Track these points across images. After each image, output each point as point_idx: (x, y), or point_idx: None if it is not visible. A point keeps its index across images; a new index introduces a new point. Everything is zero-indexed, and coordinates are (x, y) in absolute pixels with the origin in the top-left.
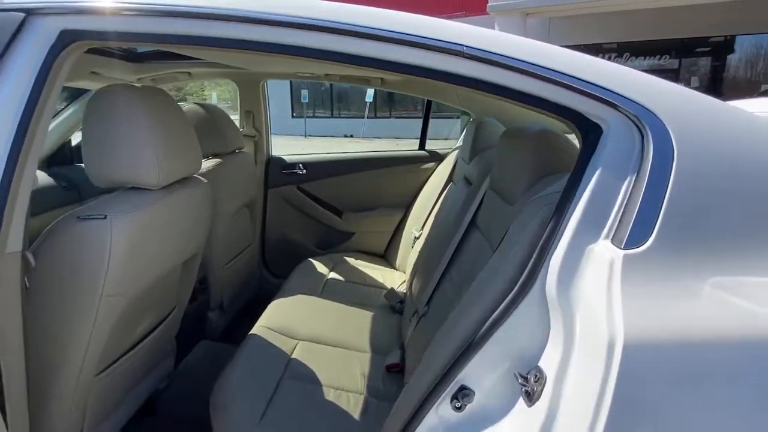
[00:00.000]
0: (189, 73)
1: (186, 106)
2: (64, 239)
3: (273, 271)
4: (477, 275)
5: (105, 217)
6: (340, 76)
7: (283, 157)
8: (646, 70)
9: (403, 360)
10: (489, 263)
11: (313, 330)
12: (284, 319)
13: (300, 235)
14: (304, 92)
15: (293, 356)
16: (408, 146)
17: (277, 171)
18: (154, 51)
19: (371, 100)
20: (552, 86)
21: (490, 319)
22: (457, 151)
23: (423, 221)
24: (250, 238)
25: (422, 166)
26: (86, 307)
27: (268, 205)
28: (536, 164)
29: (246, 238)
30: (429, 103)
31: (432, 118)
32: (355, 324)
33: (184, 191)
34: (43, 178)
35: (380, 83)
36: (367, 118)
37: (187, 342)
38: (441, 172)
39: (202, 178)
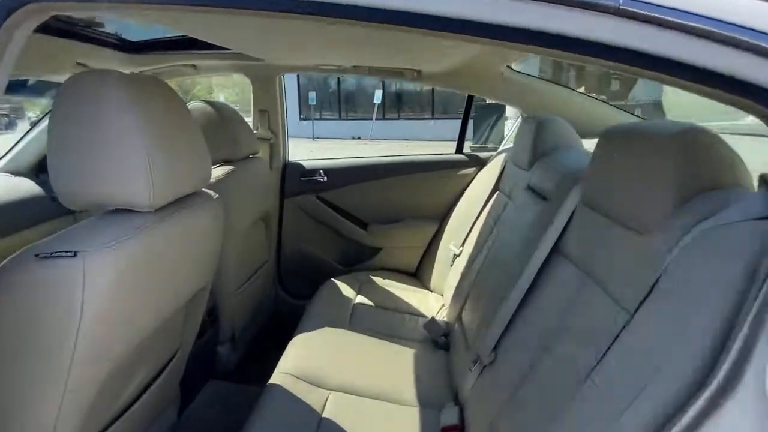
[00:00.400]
0: (194, 66)
1: (191, 104)
2: (18, 286)
3: (290, 290)
4: (575, 322)
5: (75, 255)
6: (369, 68)
7: (302, 163)
8: None
9: (461, 420)
10: (634, 324)
11: (346, 376)
12: (310, 362)
13: (320, 250)
14: (312, 94)
15: (325, 414)
16: (418, 148)
17: (295, 178)
18: (153, 40)
19: (379, 102)
20: (753, 58)
21: (677, 429)
22: (503, 154)
23: (463, 236)
24: (265, 255)
25: (459, 172)
26: (50, 378)
27: (284, 217)
28: (687, 176)
29: (260, 256)
30: (470, 99)
31: (437, 118)
32: (395, 366)
33: (188, 212)
34: (30, 187)
35: (415, 76)
36: (376, 119)
37: (192, 383)
38: (484, 179)
39: (212, 193)
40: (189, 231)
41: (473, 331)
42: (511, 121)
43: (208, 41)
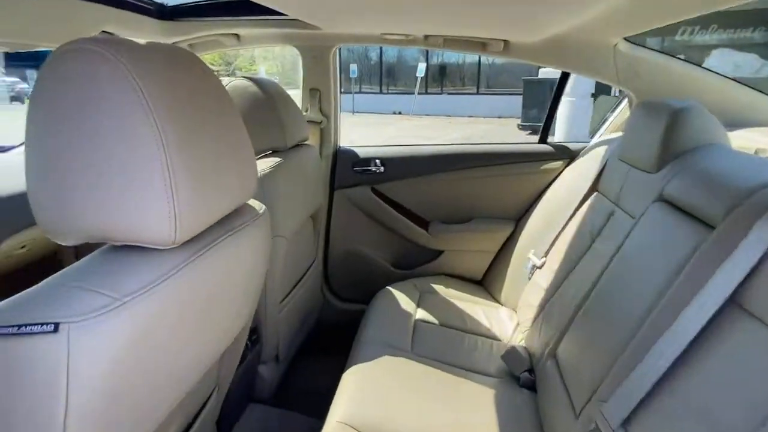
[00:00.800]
0: (237, 36)
1: (230, 82)
2: None
3: (338, 293)
4: None
5: (55, 329)
6: (444, 38)
7: (355, 150)
8: (733, 45)
9: None
10: None
11: (414, 428)
12: (369, 406)
13: (373, 249)
14: (353, 66)
15: None
16: (460, 124)
17: (347, 167)
18: (191, 4)
19: (422, 75)
20: None
21: None
22: (603, 146)
23: (547, 245)
24: (312, 254)
25: (542, 166)
26: None
27: (333, 211)
28: None
29: (307, 258)
30: (564, 76)
31: (483, 93)
32: (473, 413)
33: (228, 241)
34: None
35: (502, 48)
36: (418, 94)
37: (230, 409)
38: (575, 177)
39: (258, 204)
40: (229, 266)
41: (582, 384)
42: (568, 98)
43: (260, 2)
